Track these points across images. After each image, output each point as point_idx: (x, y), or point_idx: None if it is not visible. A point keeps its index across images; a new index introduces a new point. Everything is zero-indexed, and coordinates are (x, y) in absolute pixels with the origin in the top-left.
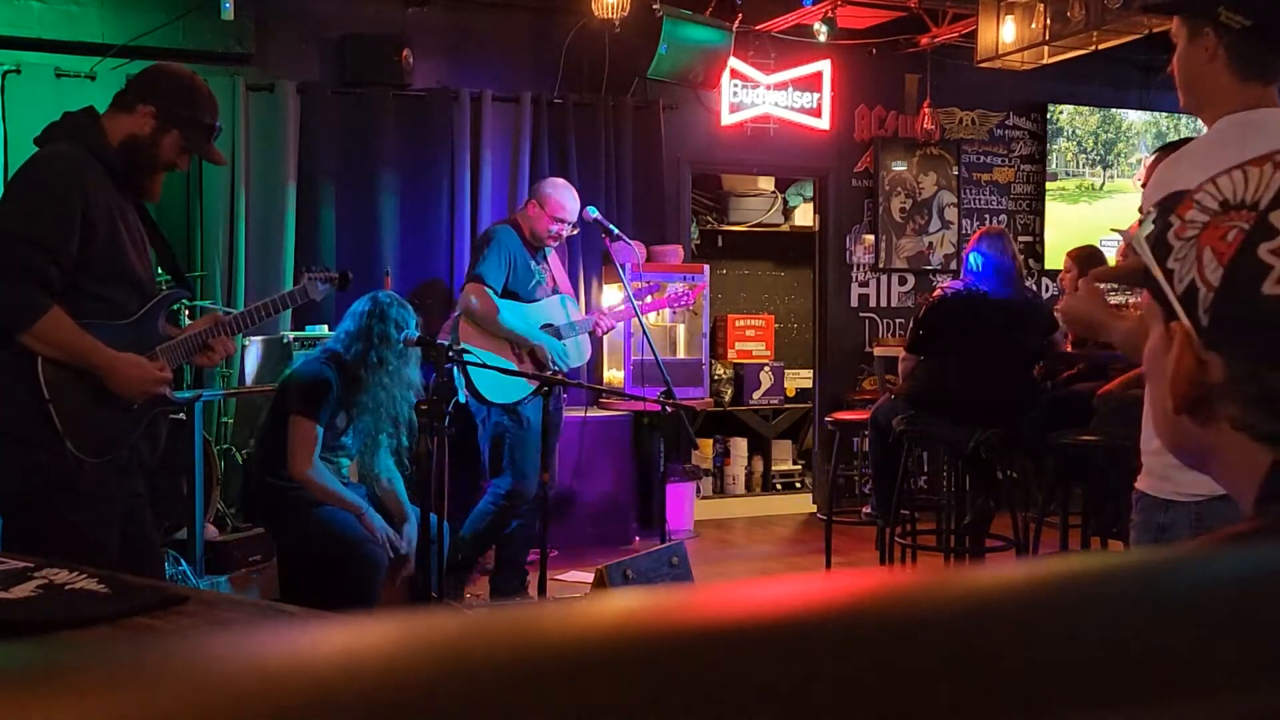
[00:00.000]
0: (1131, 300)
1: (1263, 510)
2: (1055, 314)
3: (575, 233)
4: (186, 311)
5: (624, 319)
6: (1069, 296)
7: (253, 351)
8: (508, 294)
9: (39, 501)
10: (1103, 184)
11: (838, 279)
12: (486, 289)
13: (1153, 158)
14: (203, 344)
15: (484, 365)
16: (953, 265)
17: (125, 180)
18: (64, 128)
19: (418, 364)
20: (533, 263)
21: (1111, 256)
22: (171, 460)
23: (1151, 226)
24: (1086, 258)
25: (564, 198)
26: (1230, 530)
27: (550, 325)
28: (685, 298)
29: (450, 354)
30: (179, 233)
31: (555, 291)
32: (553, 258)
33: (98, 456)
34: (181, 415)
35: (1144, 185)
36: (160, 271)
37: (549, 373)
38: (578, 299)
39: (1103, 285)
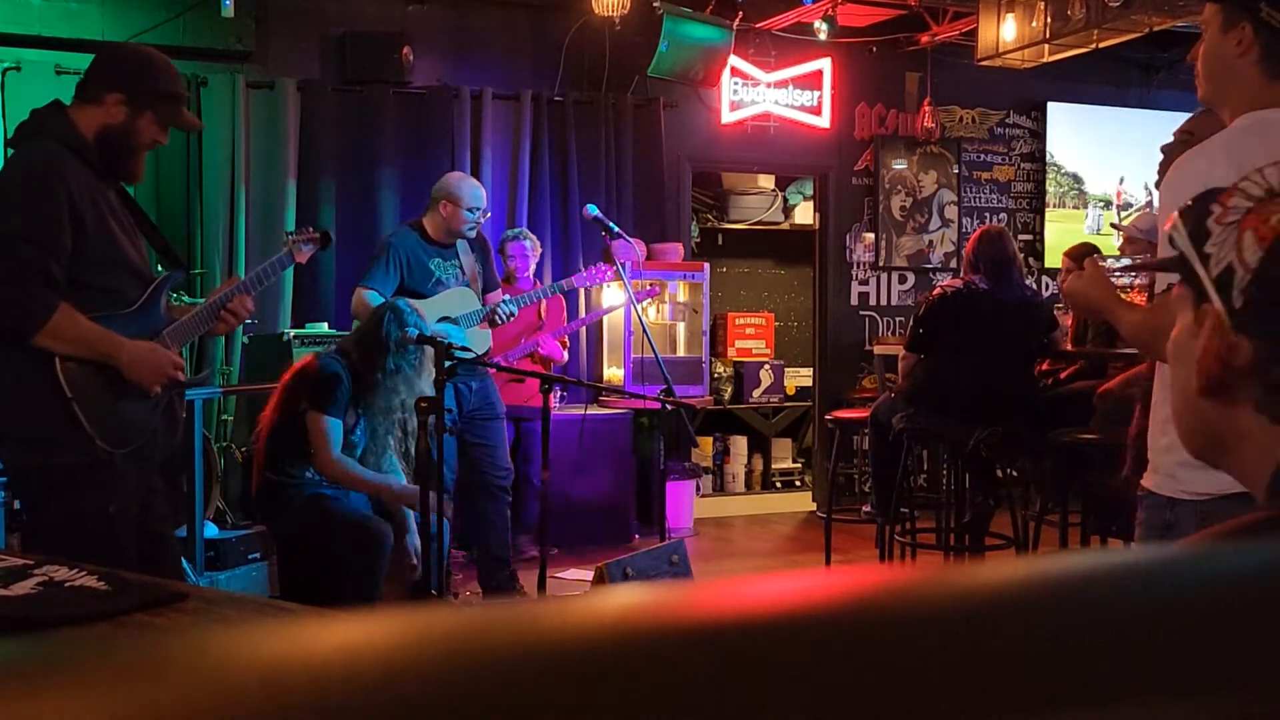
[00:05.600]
0: (1138, 282)
1: (1272, 501)
2: (1060, 296)
3: (488, 218)
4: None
5: (519, 297)
6: (1073, 278)
7: (252, 348)
8: (409, 294)
9: (64, 500)
10: None
11: (838, 277)
12: (368, 293)
13: (1174, 136)
14: (218, 311)
15: (486, 364)
16: (953, 264)
17: (104, 169)
18: (33, 125)
19: (430, 375)
20: (434, 261)
21: (1112, 249)
22: (175, 455)
23: (1181, 217)
24: (1083, 256)
25: (472, 188)
26: (1238, 521)
27: (447, 317)
28: (647, 291)
29: (450, 352)
30: (179, 229)
31: (467, 286)
32: (464, 252)
33: (124, 447)
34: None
35: (1162, 149)
36: (160, 268)
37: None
38: (578, 297)
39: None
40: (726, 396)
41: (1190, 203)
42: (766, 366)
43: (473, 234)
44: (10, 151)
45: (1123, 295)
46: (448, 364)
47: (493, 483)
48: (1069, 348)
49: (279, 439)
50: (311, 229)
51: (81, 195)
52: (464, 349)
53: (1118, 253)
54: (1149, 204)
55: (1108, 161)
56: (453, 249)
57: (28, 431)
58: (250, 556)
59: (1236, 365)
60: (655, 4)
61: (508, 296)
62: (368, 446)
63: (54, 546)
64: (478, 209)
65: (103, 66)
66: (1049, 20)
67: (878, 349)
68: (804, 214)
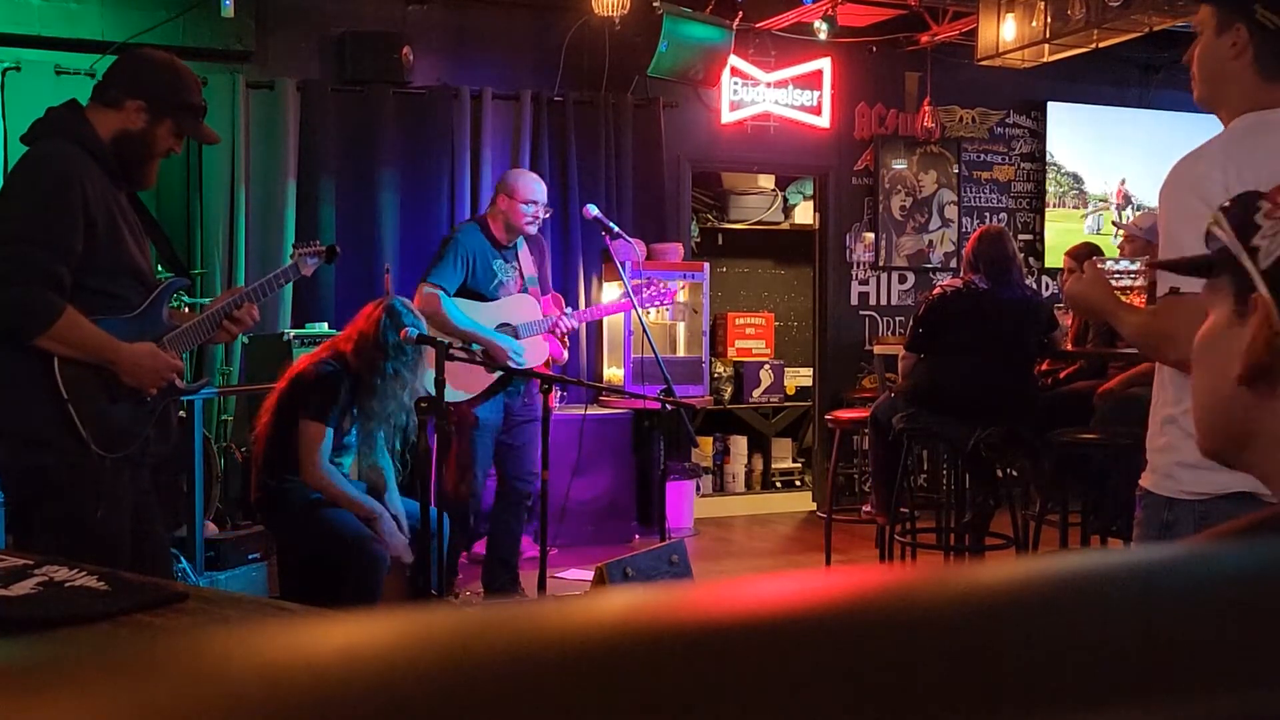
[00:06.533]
0: (1138, 284)
1: None
2: (1061, 296)
3: (549, 215)
4: (186, 308)
5: (587, 319)
6: (1074, 280)
7: (251, 348)
8: (469, 293)
9: (59, 501)
10: None
11: (838, 277)
12: (434, 290)
13: None
14: (221, 320)
15: (484, 363)
16: (953, 263)
17: (119, 172)
18: (50, 124)
19: (429, 376)
20: (497, 261)
21: (1112, 249)
22: (171, 457)
23: (1224, 213)
24: (1085, 256)
25: (529, 182)
26: (1241, 521)
27: (507, 325)
28: (666, 295)
29: (450, 351)
30: (179, 230)
31: (524, 291)
32: (526, 255)
33: (116, 451)
34: (182, 413)
35: None
36: (160, 268)
37: (535, 371)
38: (578, 297)
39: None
40: (726, 396)
41: (1231, 201)
42: (766, 366)
43: (533, 230)
44: (22, 150)
45: (1123, 297)
46: (506, 371)
47: (515, 485)
48: (1069, 348)
49: (277, 444)
50: (318, 242)
51: (96, 199)
52: (465, 351)
53: (1118, 252)
54: (1121, 203)
55: (1108, 161)
56: (513, 250)
57: (22, 432)
58: (250, 556)
59: None
60: (655, 4)
61: (570, 310)
62: (361, 450)
63: (45, 547)
64: (534, 203)
65: (126, 71)
66: (1049, 20)
67: (878, 349)
68: (804, 214)
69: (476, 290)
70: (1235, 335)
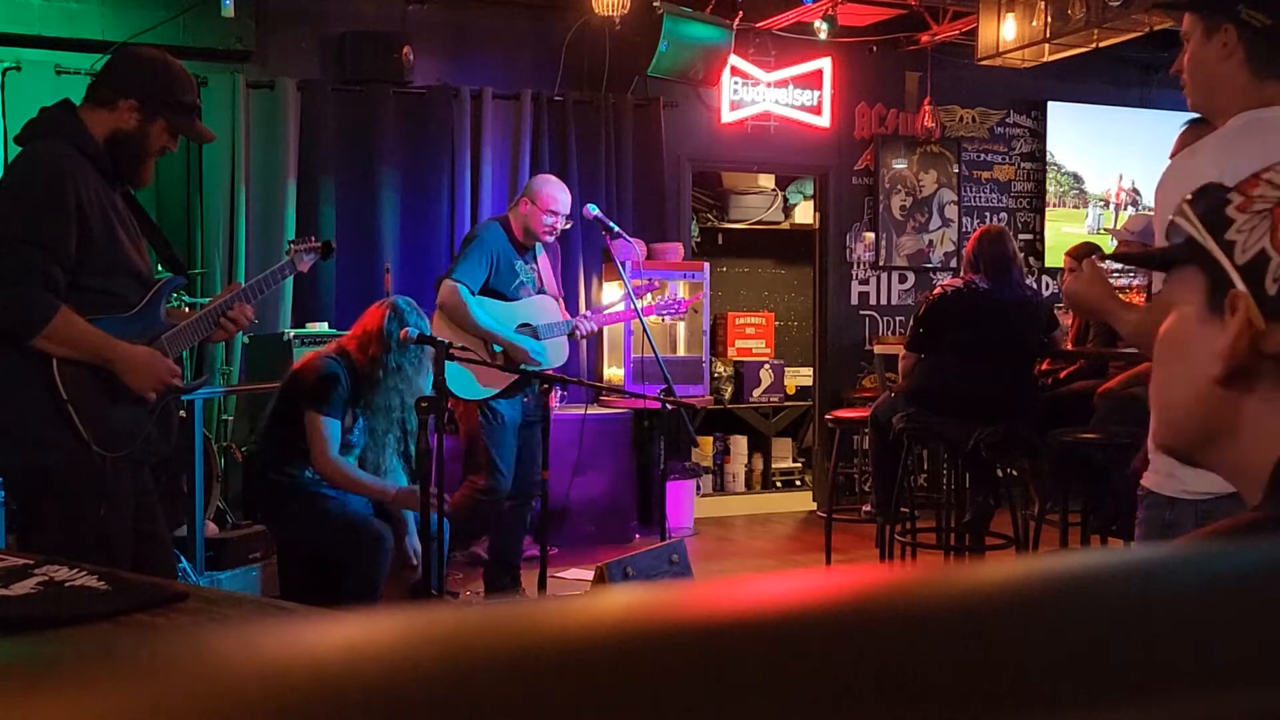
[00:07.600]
0: (1137, 283)
1: (1271, 500)
2: (1061, 296)
3: (569, 226)
4: (186, 308)
5: (605, 324)
6: (1072, 279)
7: (252, 348)
8: (490, 292)
9: (59, 501)
10: None
11: (838, 277)
12: (459, 287)
13: (1183, 129)
14: (218, 318)
15: (484, 363)
16: (953, 263)
17: (113, 172)
18: (44, 125)
19: (429, 374)
20: (519, 262)
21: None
22: (172, 457)
23: (1190, 205)
24: (1085, 256)
25: (555, 191)
26: (1236, 519)
27: (527, 325)
28: (678, 305)
29: (450, 351)
30: (179, 230)
31: (540, 292)
32: (543, 259)
33: (117, 450)
34: (182, 413)
35: (1172, 157)
36: (159, 268)
37: (541, 371)
38: (578, 296)
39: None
40: (726, 396)
41: (1194, 194)
42: (766, 366)
43: (549, 239)
44: (18, 150)
45: (1123, 295)
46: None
47: (521, 487)
48: (1069, 348)
49: (274, 439)
50: (313, 238)
51: (90, 199)
52: (466, 351)
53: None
54: (1121, 202)
55: (1108, 161)
56: (531, 252)
57: (22, 432)
58: (250, 556)
59: (1267, 352)
60: (655, 4)
61: (589, 313)
62: (367, 446)
63: (47, 547)
64: (556, 214)
65: (119, 71)
66: (1049, 20)
67: (878, 348)
68: (804, 213)
69: (498, 290)
70: (1209, 333)
